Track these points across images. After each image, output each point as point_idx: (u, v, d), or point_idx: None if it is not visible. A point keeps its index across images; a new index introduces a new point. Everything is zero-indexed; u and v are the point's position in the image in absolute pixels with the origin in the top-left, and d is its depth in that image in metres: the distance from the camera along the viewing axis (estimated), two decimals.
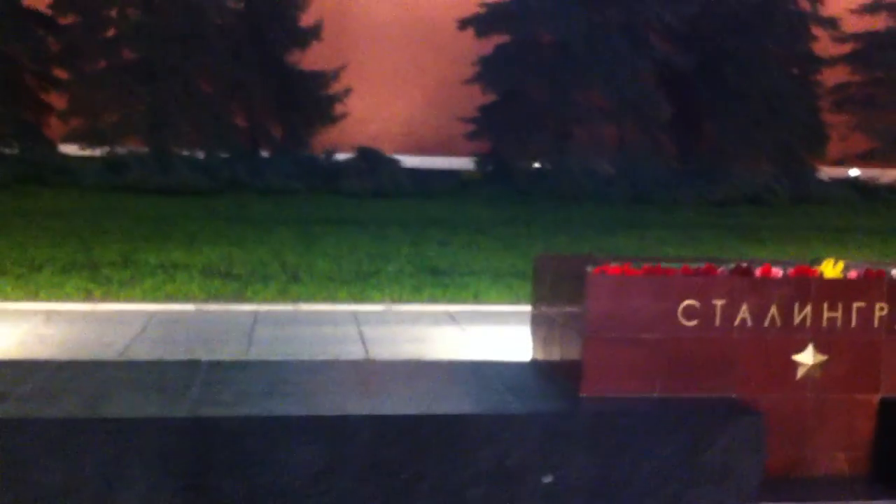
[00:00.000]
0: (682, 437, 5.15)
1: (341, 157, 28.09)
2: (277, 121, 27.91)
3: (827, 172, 29.59)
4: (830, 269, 5.71)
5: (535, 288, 6.69)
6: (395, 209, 19.99)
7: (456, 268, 12.26)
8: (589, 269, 5.53)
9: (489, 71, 27.56)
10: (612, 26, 27.76)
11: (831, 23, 29.56)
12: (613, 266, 5.57)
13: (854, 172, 31.75)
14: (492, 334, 8.39)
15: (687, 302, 5.53)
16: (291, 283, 10.69)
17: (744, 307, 5.57)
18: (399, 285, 10.75)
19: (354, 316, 9.30)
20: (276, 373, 5.79)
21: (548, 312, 6.28)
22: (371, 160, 27.04)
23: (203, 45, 26.04)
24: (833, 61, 30.12)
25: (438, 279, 11.25)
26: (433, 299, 10.22)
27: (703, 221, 19.62)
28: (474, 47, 28.70)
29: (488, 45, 27.95)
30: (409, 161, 29.19)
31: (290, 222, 16.51)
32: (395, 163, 26.48)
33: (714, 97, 28.00)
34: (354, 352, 7.62)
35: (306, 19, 28.88)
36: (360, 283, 10.80)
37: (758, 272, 5.65)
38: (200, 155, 25.82)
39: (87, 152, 26.32)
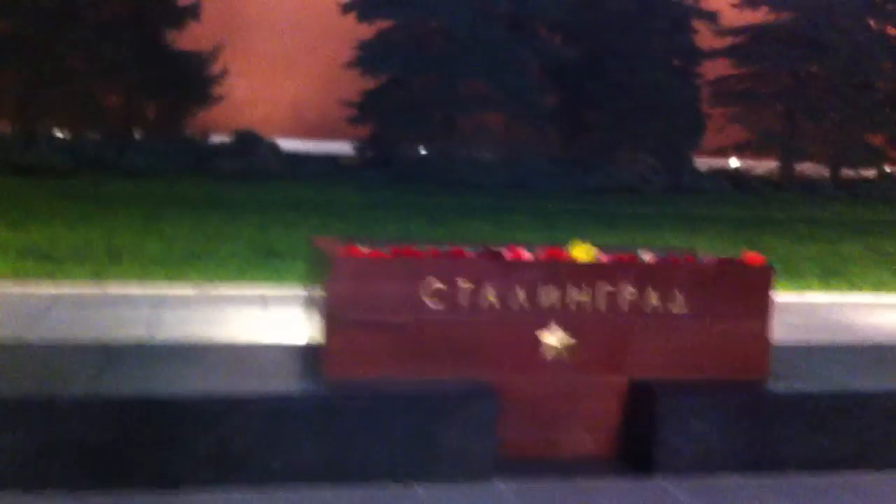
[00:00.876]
0: (416, 418, 5.14)
1: (220, 139, 27.66)
2: (153, 102, 27.28)
3: (707, 163, 30.40)
4: (582, 252, 5.74)
5: (308, 271, 6.59)
6: (260, 192, 19.67)
7: (295, 251, 12.07)
8: (334, 251, 5.45)
9: (370, 56, 27.40)
10: (497, 16, 27.90)
11: (711, 17, 30.29)
12: (360, 248, 5.50)
13: (734, 163, 32.72)
14: (295, 318, 8.26)
15: (433, 285, 5.49)
16: (112, 265, 10.38)
17: (491, 290, 5.57)
18: (224, 268, 10.55)
19: (163, 299, 9.05)
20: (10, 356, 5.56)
21: (311, 295, 6.19)
22: (248, 143, 26.64)
23: (76, 22, 25.24)
24: (713, 54, 30.90)
25: (270, 262, 11.09)
26: (254, 282, 10.04)
27: (568, 209, 19.83)
28: (359, 31, 28.58)
29: (372, 29, 27.84)
30: (291, 145, 28.91)
31: (142, 204, 16.07)
32: (273, 146, 26.10)
33: (597, 89, 28.45)
34: (137, 335, 7.40)
35: None
36: (184, 266, 10.56)
37: (507, 255, 5.65)
38: (70, 135, 25.07)
39: None
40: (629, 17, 28.92)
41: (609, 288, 5.72)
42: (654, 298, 5.78)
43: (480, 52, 27.38)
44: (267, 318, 8.45)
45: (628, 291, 5.74)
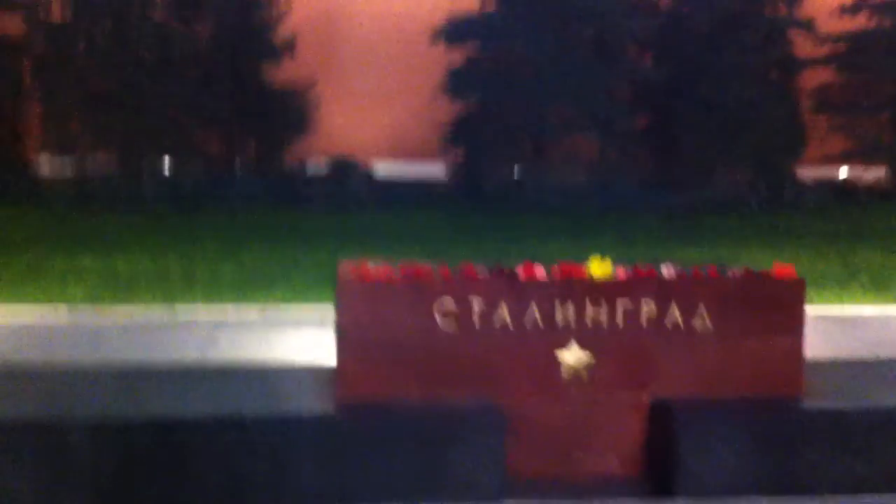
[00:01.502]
0: (423, 440, 5.11)
1: (317, 168, 28.41)
2: (252, 138, 28.20)
3: (813, 174, 29.38)
4: (598, 268, 5.63)
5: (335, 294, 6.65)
6: (347, 220, 20.08)
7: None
8: (344, 274, 5.50)
9: (459, 82, 27.64)
10: (581, 40, 27.73)
11: (808, 26, 29.35)
12: (370, 270, 5.53)
13: (843, 173, 31.51)
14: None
15: (445, 306, 5.47)
16: (182, 290, 10.73)
17: (505, 310, 5.51)
18: (293, 292, 10.74)
19: (223, 323, 9.24)
20: None
21: (334, 318, 6.24)
22: (342, 169, 27.35)
23: (173, 75, 26.21)
24: (812, 63, 29.86)
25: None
26: (316, 303, 10.15)
27: (651, 227, 19.51)
28: (450, 58, 28.77)
29: (461, 57, 28.06)
30: (386, 168, 29.46)
31: (224, 236, 16.59)
32: (365, 173, 26.70)
33: (687, 107, 27.84)
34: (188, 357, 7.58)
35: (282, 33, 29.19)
36: (253, 290, 10.81)
37: (520, 273, 5.58)
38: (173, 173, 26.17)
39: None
40: (719, 33, 28.27)
41: (628, 304, 5.59)
42: (675, 315, 5.61)
43: (565, 76, 27.21)
44: (315, 338, 8.53)
45: (648, 308, 5.59)
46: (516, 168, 27.30)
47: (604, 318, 5.55)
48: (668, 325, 5.57)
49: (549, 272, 5.60)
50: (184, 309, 9.85)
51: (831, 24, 29.92)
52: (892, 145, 29.84)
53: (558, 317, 5.52)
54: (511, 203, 24.97)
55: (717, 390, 5.57)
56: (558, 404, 5.51)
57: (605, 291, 5.56)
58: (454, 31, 27.88)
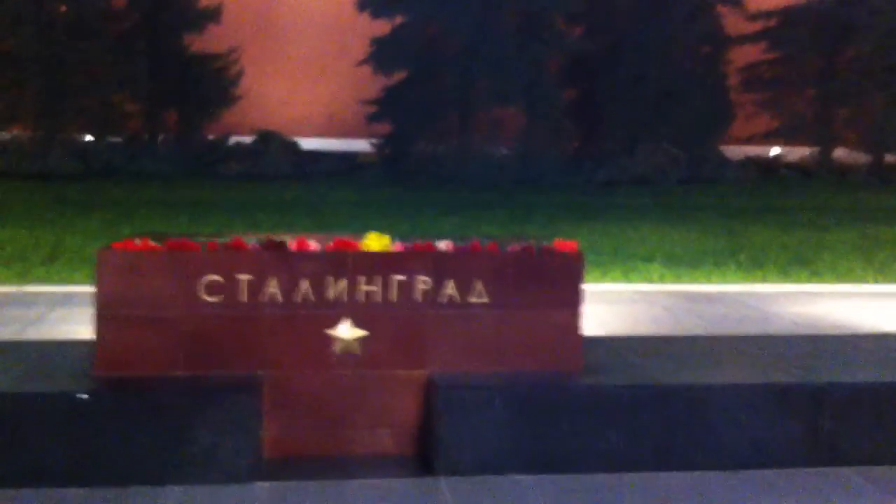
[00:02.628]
0: (169, 417, 4.96)
1: (241, 140, 27.92)
2: (172, 107, 27.66)
3: (744, 151, 29.50)
4: (375, 241, 5.50)
5: None
6: (261, 192, 19.85)
7: None
8: (105, 247, 5.32)
9: (383, 53, 27.33)
10: (508, 11, 27.53)
11: (735, 1, 29.35)
12: (132, 242, 5.36)
13: (774, 152, 31.72)
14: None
15: (210, 277, 5.32)
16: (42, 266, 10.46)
17: (273, 282, 5.37)
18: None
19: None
20: None
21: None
22: (266, 143, 26.87)
23: (89, 35, 25.64)
24: (741, 40, 29.94)
25: None
26: None
27: (556, 202, 19.54)
28: (377, 29, 28.43)
29: (386, 27, 27.74)
30: (315, 144, 29.02)
31: (117, 208, 16.27)
32: (286, 145, 26.25)
33: (615, 80, 27.85)
34: None
35: (205, 1, 28.64)
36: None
37: (292, 245, 5.44)
38: (93, 141, 25.59)
39: None
40: (648, 6, 28.23)
41: (402, 279, 5.48)
42: (451, 289, 5.51)
43: (492, 47, 27.06)
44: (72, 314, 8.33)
45: (423, 282, 5.49)
46: (440, 141, 27.10)
47: (377, 292, 5.45)
48: (444, 300, 5.48)
49: (323, 245, 5.48)
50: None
51: (761, 1, 30.03)
52: (816, 124, 30.05)
53: (330, 291, 5.40)
54: (432, 176, 24.86)
55: (495, 366, 5.50)
56: (329, 380, 5.40)
57: (378, 265, 5.45)
58: (380, 1, 27.55)
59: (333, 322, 5.41)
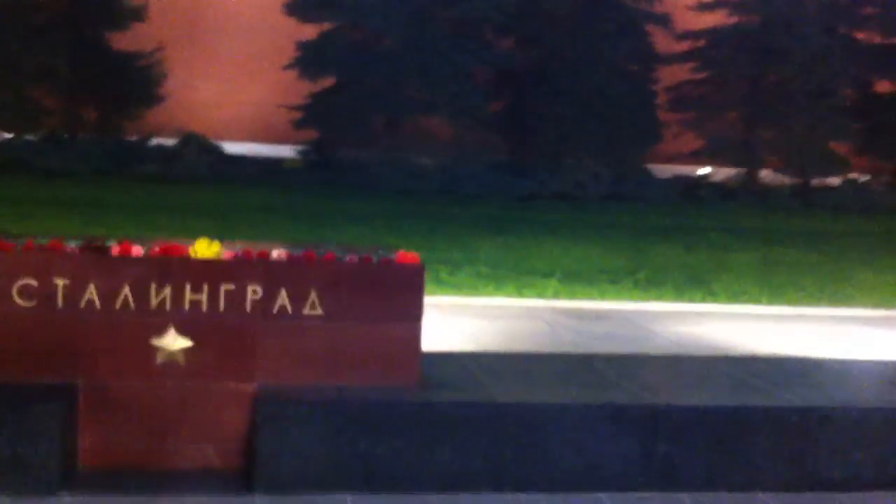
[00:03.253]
0: None
1: (164, 142, 27.40)
2: (91, 104, 27.06)
3: (672, 170, 29.72)
4: (204, 248, 5.27)
5: None
6: (169, 194, 19.49)
7: None
8: None
9: (309, 58, 27.05)
10: (438, 19, 27.45)
11: (664, 20, 29.61)
12: None
13: (703, 171, 32.06)
14: None
15: (24, 280, 5.04)
16: None
17: (92, 287, 5.11)
18: None
19: None
20: None
21: None
22: (187, 146, 26.47)
23: (11, 23, 24.99)
24: (668, 59, 30.19)
25: None
26: None
27: (467, 214, 19.53)
28: (304, 34, 28.07)
29: (313, 31, 27.45)
30: (242, 149, 28.56)
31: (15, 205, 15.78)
32: (207, 148, 25.84)
33: (542, 93, 27.90)
34: None
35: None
36: None
37: (115, 250, 5.19)
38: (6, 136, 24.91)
39: None
40: (577, 21, 28.37)
41: (231, 287, 5.26)
42: (283, 299, 5.31)
43: (419, 56, 26.94)
44: None
45: (252, 291, 5.27)
46: (366, 148, 26.89)
47: (204, 301, 5.22)
48: (275, 311, 5.27)
49: (147, 250, 5.24)
50: None
51: (690, 21, 30.34)
52: (740, 145, 30.44)
53: (154, 297, 5.15)
54: (355, 184, 24.62)
55: (329, 379, 5.30)
56: (151, 390, 5.16)
57: (206, 273, 5.22)
58: (308, 3, 27.24)
59: (157, 331, 5.16)
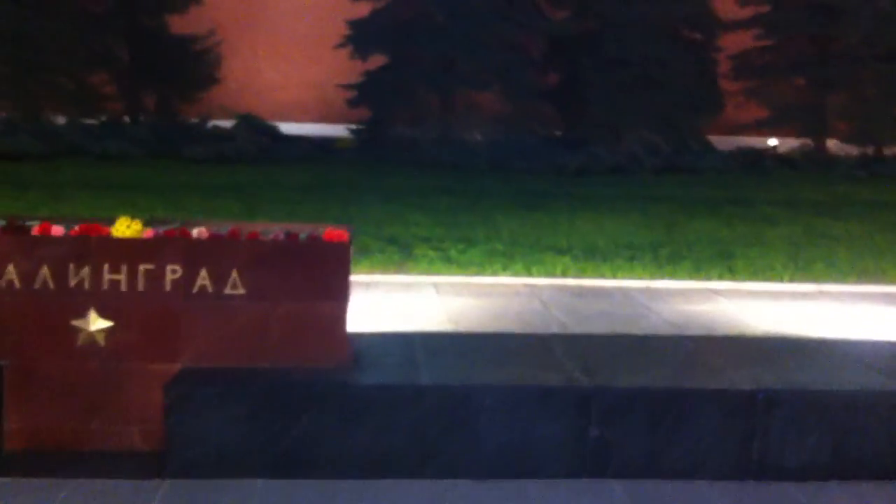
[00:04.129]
0: None
1: (222, 124, 27.74)
2: (149, 88, 27.51)
3: (737, 141, 28.84)
4: (124, 227, 5.19)
5: None
6: (217, 176, 19.73)
7: None
8: None
9: (361, 37, 27.00)
10: None
11: None
12: None
13: (772, 142, 31.01)
14: None
15: None
16: None
17: (11, 268, 5.08)
18: None
19: None
20: None
21: None
22: (251, 127, 26.79)
23: (60, 13, 25.46)
24: (733, 26, 29.17)
25: None
26: None
27: (506, 190, 19.23)
28: (355, 12, 28.00)
29: (365, 9, 27.37)
30: (300, 129, 28.78)
31: (63, 188, 16.14)
32: (272, 129, 26.20)
33: (599, 64, 27.29)
34: None
35: None
36: None
37: (35, 230, 5.14)
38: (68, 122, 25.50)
39: None
40: None
41: (150, 266, 5.17)
42: (204, 278, 5.20)
43: (471, 29, 26.62)
44: None
45: (172, 270, 5.17)
46: (419, 125, 26.77)
47: (124, 281, 5.14)
48: (196, 290, 5.16)
49: (67, 229, 5.18)
50: None
51: None
52: (806, 113, 29.29)
53: (72, 278, 5.10)
54: (406, 161, 24.52)
55: (254, 360, 5.18)
56: (74, 371, 5.11)
57: (125, 252, 5.14)
58: None
59: (77, 311, 5.11)
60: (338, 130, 29.14)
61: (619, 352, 5.87)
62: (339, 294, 5.24)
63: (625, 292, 9.79)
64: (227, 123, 27.63)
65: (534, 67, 27.67)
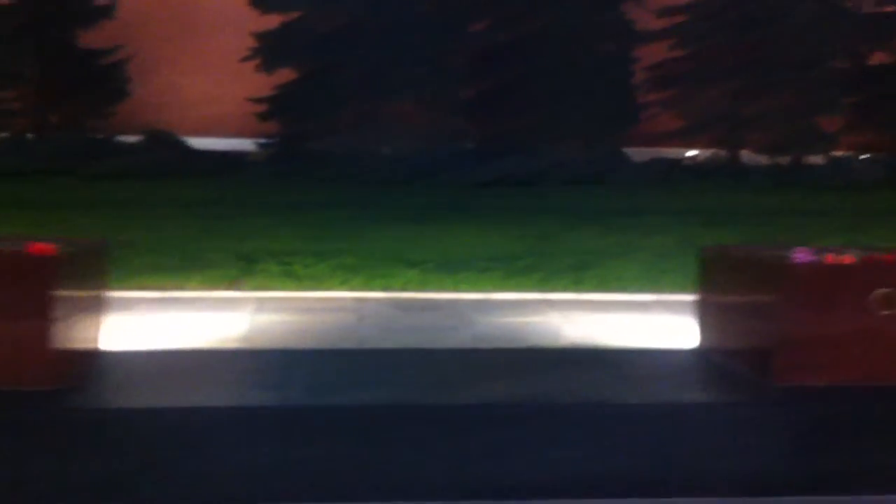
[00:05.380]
0: None
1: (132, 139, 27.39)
2: (59, 103, 27.13)
3: (657, 153, 28.97)
4: None
5: None
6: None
7: None
8: None
9: (269, 49, 26.81)
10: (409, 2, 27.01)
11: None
12: None
13: (692, 153, 31.28)
14: None
15: None
16: None
17: None
18: None
19: None
20: None
21: None
22: (158, 142, 26.50)
23: None
24: (649, 37, 29.37)
25: None
26: None
27: (403, 203, 19.17)
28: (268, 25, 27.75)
29: (275, 23, 27.18)
30: (212, 144, 28.44)
31: None
32: (183, 143, 26.00)
33: (517, 77, 27.40)
34: None
35: None
36: None
37: None
38: None
39: None
40: (553, 1, 27.72)
41: None
42: None
43: (388, 42, 26.55)
44: None
45: None
46: (333, 138, 26.66)
47: None
48: None
49: None
50: None
51: None
52: (719, 124, 29.52)
53: None
54: (315, 175, 24.31)
55: None
56: None
57: None
58: None
59: None
60: (250, 145, 28.79)
61: (364, 367, 5.75)
62: (44, 312, 5.06)
63: (457, 305, 9.71)
64: (133, 139, 27.42)
65: (452, 80, 27.63)
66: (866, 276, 5.52)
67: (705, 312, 6.29)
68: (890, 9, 31.77)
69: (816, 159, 29.93)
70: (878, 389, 5.42)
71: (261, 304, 9.27)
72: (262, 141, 27.21)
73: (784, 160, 29.35)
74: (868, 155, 31.03)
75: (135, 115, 28.22)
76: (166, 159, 24.84)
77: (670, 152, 30.50)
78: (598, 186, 24.01)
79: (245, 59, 26.81)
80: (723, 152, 29.92)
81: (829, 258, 5.59)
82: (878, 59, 32.27)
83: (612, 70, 28.99)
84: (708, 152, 30.72)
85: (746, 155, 29.77)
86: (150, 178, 22.11)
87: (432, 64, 27.16)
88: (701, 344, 6.47)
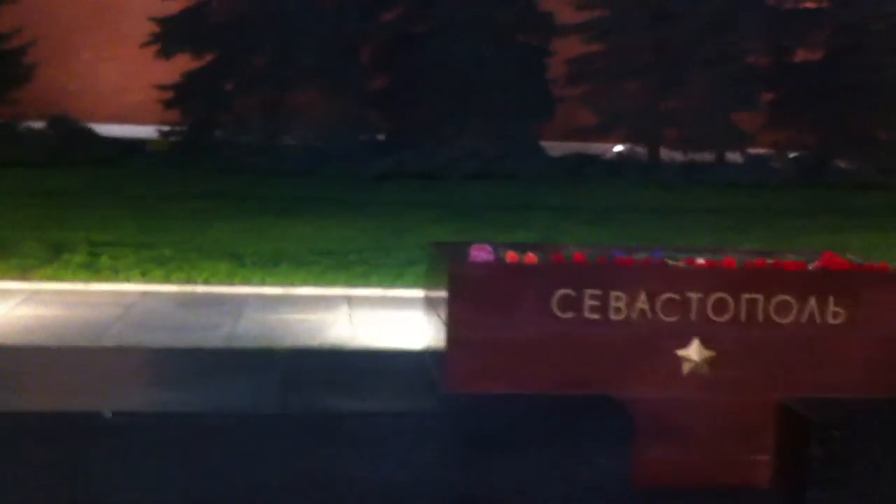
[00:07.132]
0: None
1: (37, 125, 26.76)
2: None
3: (576, 148, 28.64)
4: None
5: None
6: None
7: None
8: None
9: (169, 34, 26.23)
10: None
11: None
12: None
13: (617, 148, 30.99)
14: None
15: None
16: None
17: None
18: None
19: None
20: None
21: None
22: (59, 128, 25.95)
23: None
24: (566, 31, 29.00)
25: None
26: None
27: (288, 195, 18.75)
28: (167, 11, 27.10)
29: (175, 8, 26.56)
30: (121, 131, 27.84)
31: None
32: (89, 130, 25.54)
33: (426, 68, 26.93)
34: None
35: None
36: None
37: None
38: None
39: None
40: None
41: None
42: None
43: (295, 32, 26.04)
44: None
45: None
46: (235, 128, 26.14)
47: None
48: None
49: None
50: None
51: None
52: (634, 118, 29.22)
53: None
54: (214, 167, 23.77)
55: None
56: None
57: None
58: None
59: None
60: (153, 132, 28.10)
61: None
62: None
63: (245, 301, 9.37)
64: (39, 124, 26.86)
65: (361, 70, 27.22)
66: (549, 278, 5.14)
67: (427, 312, 5.92)
68: (810, 4, 31.75)
69: (736, 157, 29.88)
70: (558, 399, 5.06)
71: (30, 296, 8.81)
72: (165, 129, 26.60)
73: (702, 157, 29.24)
74: (796, 154, 31.03)
75: (45, 103, 27.51)
76: (62, 147, 24.23)
77: (596, 148, 30.24)
78: (503, 181, 23.66)
79: (144, 44, 26.19)
80: (641, 148, 29.73)
81: (511, 257, 5.23)
82: (800, 56, 32.29)
83: (527, 62, 28.65)
84: (628, 148, 30.51)
85: (666, 152, 29.61)
86: (31, 167, 21.47)
87: (341, 53, 26.68)
88: (425, 345, 6.11)
